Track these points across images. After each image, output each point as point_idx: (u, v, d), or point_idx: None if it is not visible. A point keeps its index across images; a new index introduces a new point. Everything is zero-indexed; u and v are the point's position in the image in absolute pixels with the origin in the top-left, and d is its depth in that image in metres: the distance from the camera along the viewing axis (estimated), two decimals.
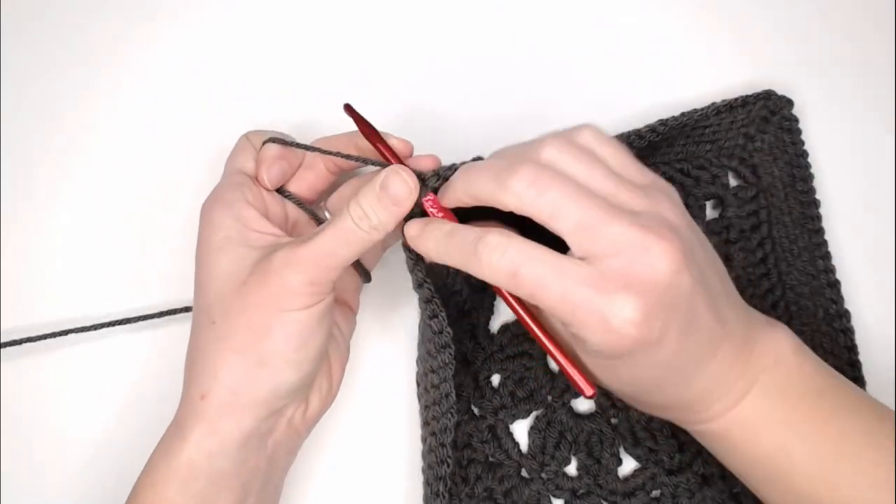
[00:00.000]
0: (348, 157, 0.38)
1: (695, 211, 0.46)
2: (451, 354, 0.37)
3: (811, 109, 0.47)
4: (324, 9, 0.51)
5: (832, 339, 0.44)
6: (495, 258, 0.31)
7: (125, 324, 0.43)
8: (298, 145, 0.39)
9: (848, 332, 0.44)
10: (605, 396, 0.43)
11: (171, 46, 0.50)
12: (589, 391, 0.33)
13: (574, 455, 0.43)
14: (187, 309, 0.42)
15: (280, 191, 0.40)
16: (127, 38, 0.50)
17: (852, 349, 0.44)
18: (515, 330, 0.45)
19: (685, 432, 0.43)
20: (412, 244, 0.35)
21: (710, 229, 0.46)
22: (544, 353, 0.44)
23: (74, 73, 0.49)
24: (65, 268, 0.46)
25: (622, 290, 0.30)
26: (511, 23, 0.51)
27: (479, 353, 0.44)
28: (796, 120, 0.46)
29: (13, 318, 0.45)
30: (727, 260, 0.45)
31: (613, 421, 0.43)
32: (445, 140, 0.42)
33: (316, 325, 0.34)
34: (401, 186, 0.34)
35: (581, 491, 0.43)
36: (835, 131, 0.47)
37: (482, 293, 0.45)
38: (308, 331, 0.34)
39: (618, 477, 0.43)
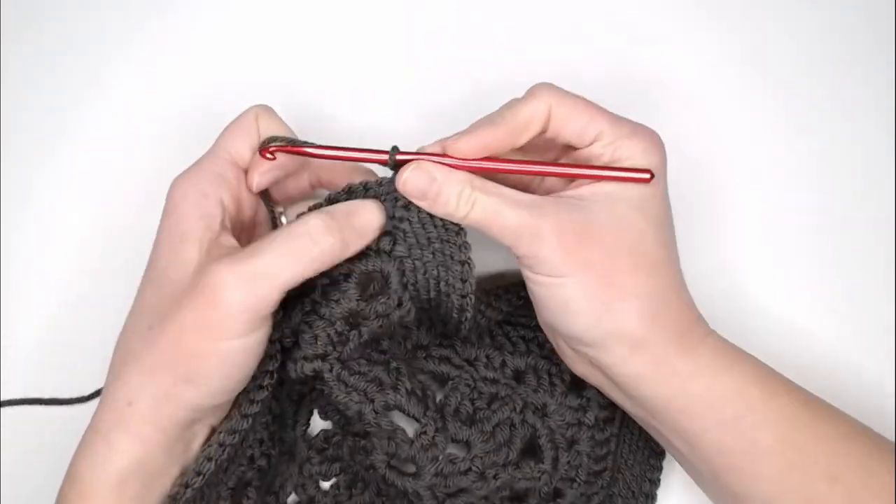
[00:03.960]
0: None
1: None
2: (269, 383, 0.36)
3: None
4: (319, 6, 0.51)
5: None
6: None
7: None
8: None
9: None
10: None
11: (171, 49, 0.50)
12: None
13: None
14: None
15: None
16: (128, 39, 0.50)
17: None
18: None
19: None
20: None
21: None
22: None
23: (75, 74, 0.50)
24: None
25: None
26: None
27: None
28: None
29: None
30: None
31: None
32: None
33: (248, 356, 0.33)
34: (372, 216, 0.34)
35: None
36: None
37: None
38: (240, 362, 0.33)
39: None
